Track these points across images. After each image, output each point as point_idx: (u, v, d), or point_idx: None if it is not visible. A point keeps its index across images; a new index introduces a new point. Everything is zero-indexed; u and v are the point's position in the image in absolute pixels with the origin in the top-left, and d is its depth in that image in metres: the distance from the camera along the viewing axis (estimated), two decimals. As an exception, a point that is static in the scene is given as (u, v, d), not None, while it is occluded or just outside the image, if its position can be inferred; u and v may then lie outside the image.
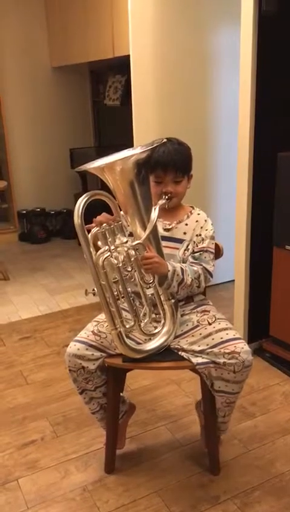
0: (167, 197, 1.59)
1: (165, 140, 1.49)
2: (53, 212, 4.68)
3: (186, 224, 1.67)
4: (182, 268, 1.56)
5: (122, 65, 3.54)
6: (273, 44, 2.15)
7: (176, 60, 2.86)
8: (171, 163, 1.58)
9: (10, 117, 4.39)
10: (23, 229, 4.63)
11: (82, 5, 3.69)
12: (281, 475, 1.74)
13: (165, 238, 1.63)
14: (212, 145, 3.13)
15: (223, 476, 1.74)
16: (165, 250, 1.59)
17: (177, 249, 1.65)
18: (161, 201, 1.56)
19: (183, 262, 1.64)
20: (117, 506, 1.63)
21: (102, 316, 1.66)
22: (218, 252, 1.74)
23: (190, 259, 1.64)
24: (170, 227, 1.67)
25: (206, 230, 1.67)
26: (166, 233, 1.66)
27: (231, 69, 2.91)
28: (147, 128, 2.84)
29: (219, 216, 3.03)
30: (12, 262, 3.99)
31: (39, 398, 2.21)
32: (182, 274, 1.56)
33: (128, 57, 2.76)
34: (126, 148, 1.50)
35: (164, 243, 1.60)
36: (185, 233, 1.66)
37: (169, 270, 1.52)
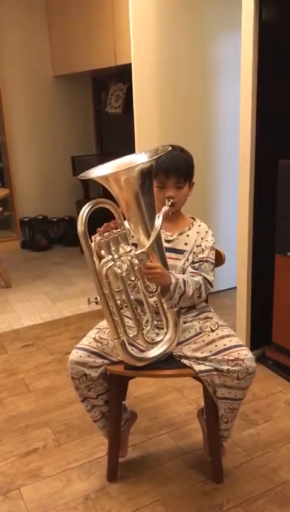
0: (169, 202, 1.60)
1: (169, 148, 1.50)
2: (55, 220, 4.69)
3: (188, 236, 1.68)
4: (184, 280, 1.56)
5: (124, 73, 3.57)
6: (273, 52, 2.16)
7: (177, 68, 2.88)
8: (174, 168, 1.60)
9: (12, 125, 4.42)
10: (25, 236, 4.64)
11: (84, 14, 3.72)
12: (284, 483, 1.73)
13: (167, 249, 1.63)
14: (214, 152, 3.14)
15: (227, 484, 1.73)
16: (168, 262, 1.59)
17: (179, 259, 1.65)
18: (164, 208, 1.57)
19: (183, 273, 1.64)
20: (120, 515, 1.63)
21: (103, 323, 1.66)
22: (220, 259, 1.74)
23: (190, 269, 1.64)
24: (172, 238, 1.67)
25: (207, 241, 1.67)
26: (168, 245, 1.66)
27: (232, 76, 2.93)
28: (149, 136, 2.85)
29: (220, 223, 3.04)
30: (15, 269, 3.99)
31: (41, 406, 2.21)
32: (184, 286, 1.55)
33: (130, 65, 2.78)
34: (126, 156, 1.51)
35: (166, 254, 1.60)
36: (186, 244, 1.67)
37: (172, 283, 1.52)
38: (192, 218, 1.74)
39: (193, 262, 1.65)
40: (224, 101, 3.07)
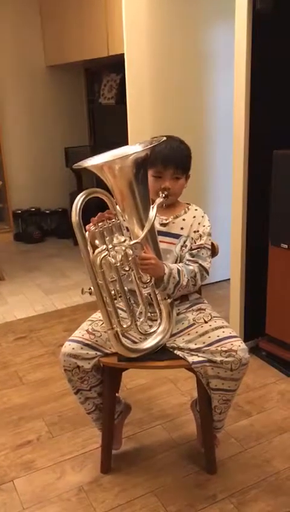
0: (164, 194, 1.59)
1: (164, 138, 1.49)
2: (48, 212, 4.67)
3: (184, 220, 1.67)
4: (178, 269, 1.56)
5: (117, 64, 3.53)
6: (267, 42, 2.15)
7: (170, 59, 2.86)
8: (172, 159, 1.58)
9: (4, 116, 4.37)
10: (18, 228, 4.61)
11: (76, 4, 3.68)
12: (277, 473, 1.74)
13: (161, 233, 1.62)
14: (208, 143, 3.13)
15: (220, 475, 1.74)
16: (162, 246, 1.59)
17: (174, 244, 1.64)
18: (159, 200, 1.56)
19: (180, 259, 1.63)
20: (113, 506, 1.62)
21: (96, 315, 1.65)
22: (213, 251, 1.74)
23: (187, 256, 1.63)
24: (167, 221, 1.66)
25: (204, 226, 1.66)
26: (163, 228, 1.65)
27: (226, 66, 2.91)
28: (142, 127, 2.83)
29: (214, 214, 3.00)
30: (8, 262, 3.97)
31: (35, 398, 2.20)
32: (179, 276, 1.55)
33: (123, 55, 2.75)
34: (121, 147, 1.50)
35: (160, 238, 1.59)
36: (182, 228, 1.66)
37: (165, 273, 1.52)
38: (187, 203, 1.73)
39: (191, 249, 1.64)
40: (218, 91, 3.05)
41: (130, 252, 1.45)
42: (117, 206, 1.52)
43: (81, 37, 3.72)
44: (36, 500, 1.66)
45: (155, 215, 1.49)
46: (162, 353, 1.59)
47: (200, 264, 1.61)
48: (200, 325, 1.59)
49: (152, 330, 1.59)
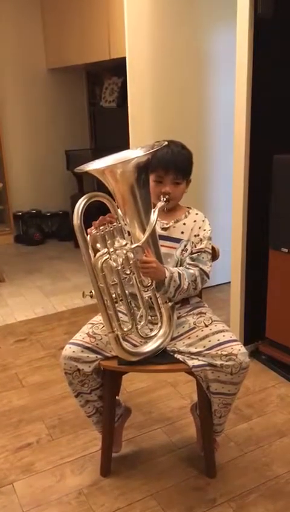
0: (165, 198, 1.59)
1: (166, 143, 1.49)
2: (49, 214, 4.67)
3: (184, 224, 1.67)
4: (179, 273, 1.56)
5: (118, 67, 3.55)
6: (268, 47, 2.16)
7: (172, 62, 2.86)
8: (173, 164, 1.59)
9: (6, 118, 4.38)
10: (18, 230, 4.62)
11: (78, 7, 3.69)
12: (277, 478, 1.74)
13: (162, 237, 1.63)
14: (209, 147, 3.13)
15: (219, 478, 1.74)
16: (163, 250, 1.59)
17: (175, 248, 1.65)
18: (160, 204, 1.57)
19: (180, 263, 1.64)
20: (113, 509, 1.62)
21: (97, 318, 1.66)
22: (214, 255, 1.74)
23: (188, 260, 1.64)
24: (168, 226, 1.67)
25: (204, 230, 1.67)
26: (163, 233, 1.66)
27: (227, 71, 2.91)
28: (143, 130, 2.84)
29: (215, 218, 3.00)
30: (8, 264, 3.98)
31: (35, 401, 2.20)
32: (179, 279, 1.55)
33: (124, 58, 2.76)
34: (122, 150, 1.50)
35: (161, 242, 1.59)
36: (182, 232, 1.66)
37: (166, 277, 1.52)
38: (188, 207, 1.73)
39: (191, 253, 1.64)
40: (219, 95, 3.06)
41: (131, 255, 1.45)
42: (118, 210, 1.52)
43: (82, 40, 3.73)
44: (36, 503, 1.66)
45: (156, 219, 1.49)
46: (162, 357, 1.59)
47: (200, 268, 1.62)
48: (201, 328, 1.60)
49: (153, 334, 1.59)
